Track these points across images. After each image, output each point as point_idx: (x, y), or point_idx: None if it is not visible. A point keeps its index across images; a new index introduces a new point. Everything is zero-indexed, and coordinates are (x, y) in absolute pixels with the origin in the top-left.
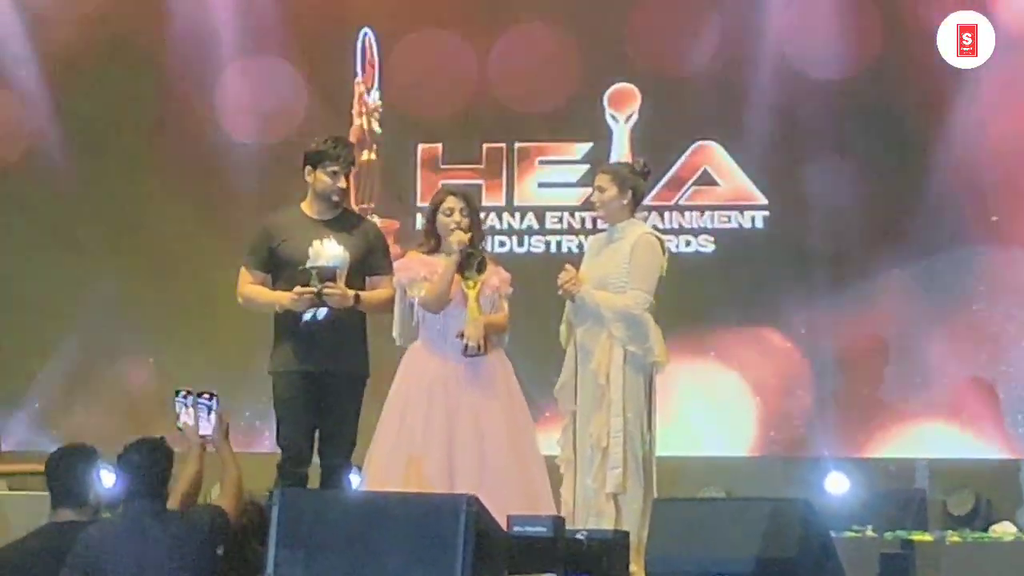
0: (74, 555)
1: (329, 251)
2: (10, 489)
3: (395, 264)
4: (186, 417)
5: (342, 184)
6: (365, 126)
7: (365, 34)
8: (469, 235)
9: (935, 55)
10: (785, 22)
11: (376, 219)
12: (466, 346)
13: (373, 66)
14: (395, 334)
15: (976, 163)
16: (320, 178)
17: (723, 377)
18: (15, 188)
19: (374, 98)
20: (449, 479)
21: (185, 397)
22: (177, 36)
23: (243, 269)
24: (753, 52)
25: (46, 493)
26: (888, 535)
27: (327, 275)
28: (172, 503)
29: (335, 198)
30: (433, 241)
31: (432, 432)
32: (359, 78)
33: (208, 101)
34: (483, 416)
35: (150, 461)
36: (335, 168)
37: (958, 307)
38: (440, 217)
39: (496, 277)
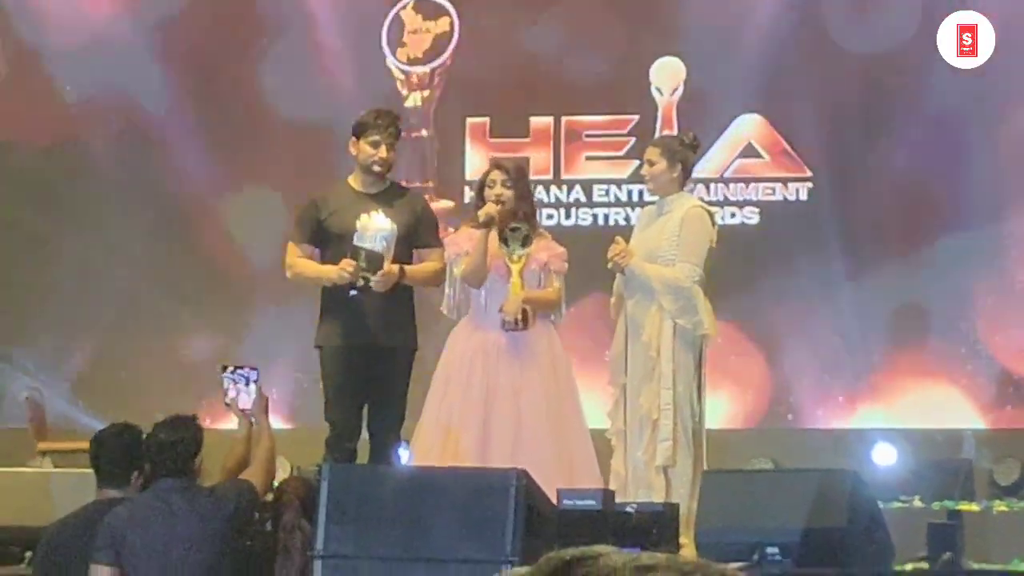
0: (103, 533)
1: (377, 224)
2: (55, 466)
3: (446, 239)
4: (233, 392)
5: (382, 154)
6: (412, 102)
7: (401, 7)
8: (499, 206)
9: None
10: None
11: (429, 198)
12: (503, 320)
13: (417, 34)
14: (445, 309)
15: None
16: (362, 148)
17: (769, 348)
18: (59, 165)
19: (418, 71)
20: (482, 451)
21: (232, 373)
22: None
23: (291, 243)
24: (797, 25)
25: (91, 470)
26: (935, 505)
27: (376, 261)
28: (218, 480)
29: (376, 168)
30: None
31: (469, 405)
32: (389, 54)
33: (255, 76)
34: (522, 390)
35: (176, 438)
36: (376, 138)
37: (1002, 279)
38: (486, 191)
39: (546, 252)
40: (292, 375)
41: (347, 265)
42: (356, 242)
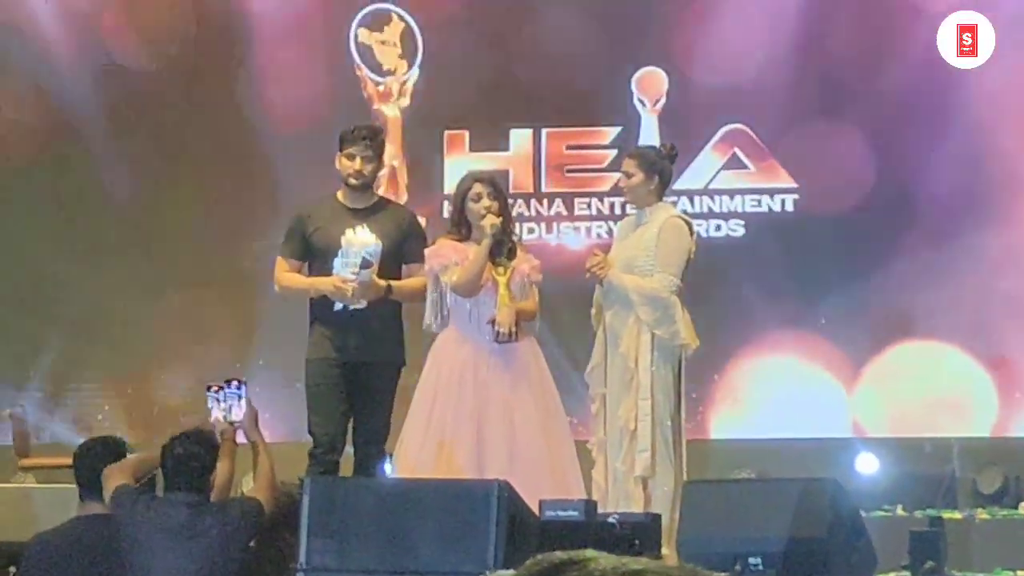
0: (111, 545)
1: (361, 239)
2: (38, 482)
3: (427, 251)
4: (218, 412)
5: (358, 166)
6: (388, 113)
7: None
8: (500, 218)
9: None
10: (809, 6)
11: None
12: (498, 332)
13: (395, 46)
14: (426, 321)
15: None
16: (341, 161)
17: (755, 361)
18: (40, 185)
19: (392, 83)
20: (478, 466)
21: (216, 392)
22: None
23: (279, 258)
24: (781, 34)
25: (74, 486)
26: (918, 513)
27: (365, 265)
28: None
29: (352, 181)
30: (464, 229)
31: (462, 419)
32: (360, 64)
33: (238, 92)
34: (513, 403)
35: (192, 453)
36: (352, 150)
37: (987, 288)
38: (469, 204)
39: (526, 264)
40: (275, 388)
41: (341, 280)
42: (341, 257)
